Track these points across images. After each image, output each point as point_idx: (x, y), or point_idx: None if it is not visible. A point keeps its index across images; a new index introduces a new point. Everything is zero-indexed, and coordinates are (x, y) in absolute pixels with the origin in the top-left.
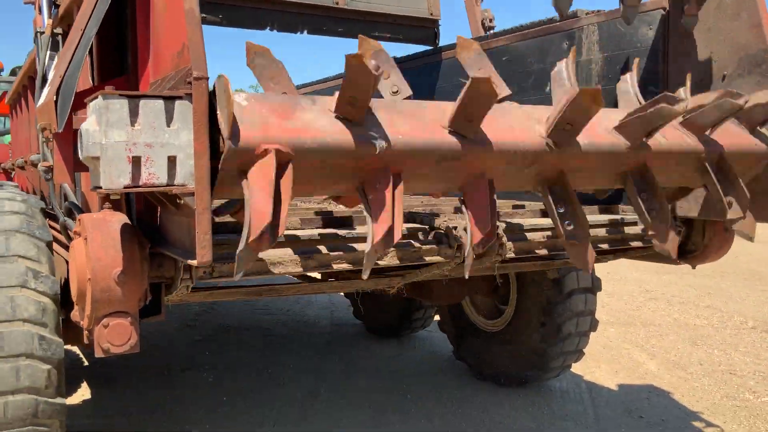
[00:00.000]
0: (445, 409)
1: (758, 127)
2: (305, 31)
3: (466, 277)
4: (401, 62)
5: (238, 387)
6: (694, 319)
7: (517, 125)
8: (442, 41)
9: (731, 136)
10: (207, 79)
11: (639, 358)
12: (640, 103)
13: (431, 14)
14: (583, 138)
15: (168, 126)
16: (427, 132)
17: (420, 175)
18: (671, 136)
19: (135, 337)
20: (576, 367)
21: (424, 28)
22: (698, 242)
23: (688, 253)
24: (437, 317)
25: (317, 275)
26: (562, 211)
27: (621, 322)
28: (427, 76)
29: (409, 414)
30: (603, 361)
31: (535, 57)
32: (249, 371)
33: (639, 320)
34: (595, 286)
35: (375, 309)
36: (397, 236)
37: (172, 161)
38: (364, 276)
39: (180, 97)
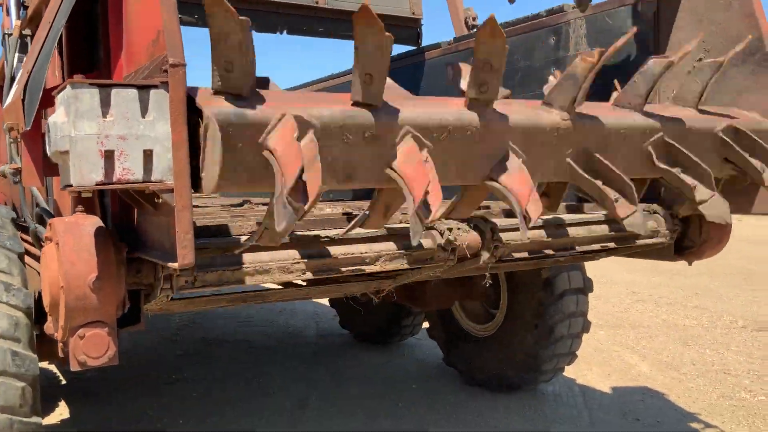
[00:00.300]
0: (439, 415)
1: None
2: (285, 32)
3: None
4: None
5: (227, 397)
6: (683, 320)
7: None
8: (426, 41)
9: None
10: (184, 65)
11: (630, 360)
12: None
13: (413, 13)
14: None
15: (143, 117)
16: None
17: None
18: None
19: (113, 349)
20: (568, 371)
21: (407, 28)
22: (695, 238)
23: (685, 249)
24: (426, 324)
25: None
26: None
27: (610, 325)
28: (411, 76)
29: (402, 420)
30: (594, 364)
31: (521, 54)
32: (236, 381)
33: (628, 322)
34: (586, 286)
35: (362, 317)
36: (438, 200)
37: (148, 155)
38: (414, 242)
39: (155, 86)
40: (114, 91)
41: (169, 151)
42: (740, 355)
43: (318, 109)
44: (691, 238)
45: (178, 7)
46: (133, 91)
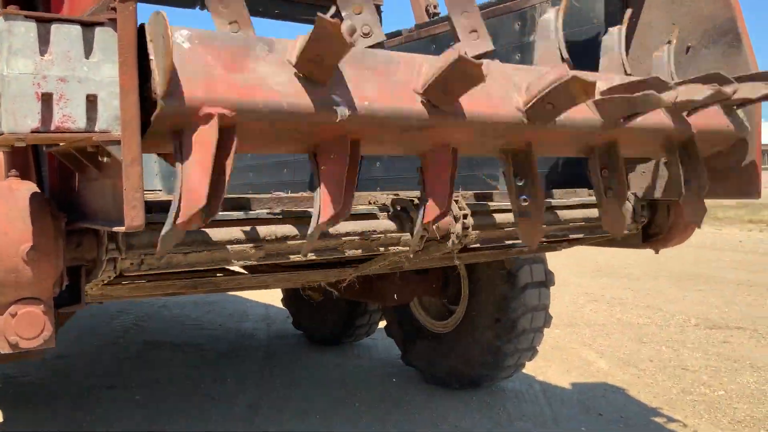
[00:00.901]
0: (399, 416)
1: (735, 108)
2: None
3: (412, 254)
4: None
5: (171, 404)
6: (637, 318)
7: (495, 93)
8: (385, 29)
9: (704, 115)
10: (135, 2)
11: (589, 357)
12: (624, 68)
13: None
14: None
15: (87, 58)
16: (395, 98)
17: (378, 142)
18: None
19: (49, 329)
20: (527, 368)
21: None
22: (662, 225)
23: (651, 237)
24: (383, 323)
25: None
26: (521, 183)
27: (565, 323)
28: None
29: (360, 422)
30: (553, 361)
31: None
32: (182, 387)
33: (583, 321)
34: (548, 279)
35: (316, 318)
36: (345, 211)
37: (91, 101)
38: (303, 255)
39: (101, 23)
40: (54, 27)
41: (116, 97)
42: (696, 352)
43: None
44: (658, 225)
45: None
46: (77, 28)
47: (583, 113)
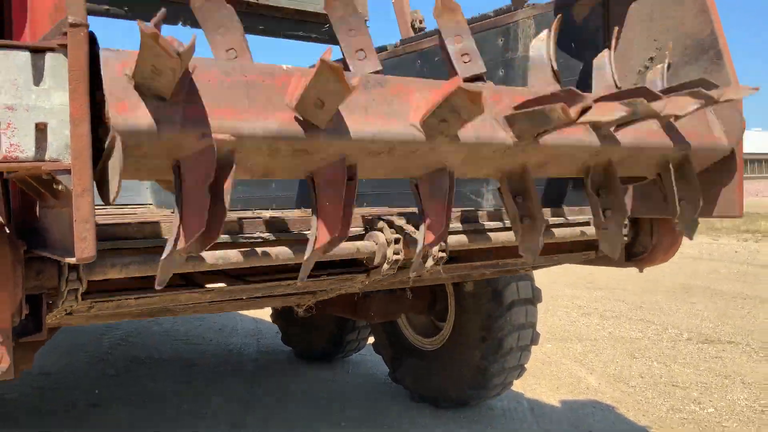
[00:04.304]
0: None
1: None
2: None
3: (412, 276)
4: None
5: (156, 421)
6: (629, 332)
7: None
8: (375, 43)
9: (697, 131)
10: (86, 26)
11: (579, 373)
12: (616, 84)
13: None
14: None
15: (36, 85)
16: (393, 125)
17: (376, 167)
18: (639, 130)
19: (7, 360)
20: (516, 385)
21: None
22: (646, 243)
23: (635, 256)
24: (371, 339)
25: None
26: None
27: (557, 338)
28: None
29: None
30: (543, 378)
31: None
32: (168, 403)
33: (575, 335)
34: (535, 297)
35: (305, 334)
36: (343, 236)
37: (41, 130)
38: (300, 281)
39: (52, 49)
40: (1, 53)
41: (67, 126)
42: (687, 368)
43: (250, 123)
44: (642, 244)
45: None
46: (25, 54)
47: (574, 132)
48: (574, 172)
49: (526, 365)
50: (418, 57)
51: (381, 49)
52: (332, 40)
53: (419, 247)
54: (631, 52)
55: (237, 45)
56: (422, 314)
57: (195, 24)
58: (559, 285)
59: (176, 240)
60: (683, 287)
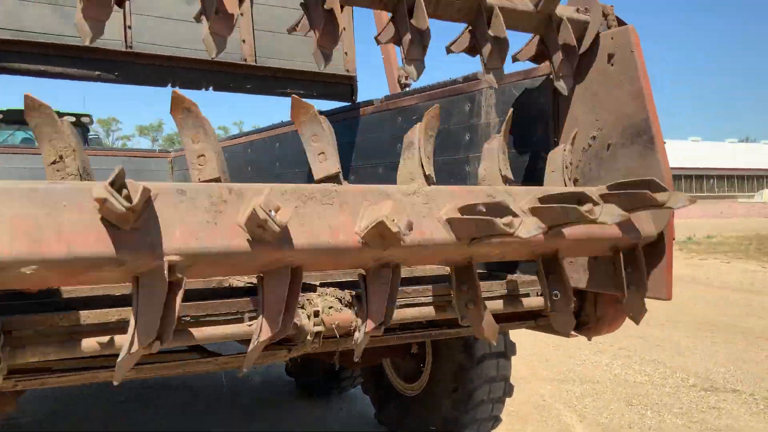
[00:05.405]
0: None
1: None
2: (210, 88)
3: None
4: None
5: None
6: (635, 375)
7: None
8: (362, 97)
9: (642, 223)
10: None
11: (568, 420)
12: (500, 172)
13: (347, 71)
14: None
15: None
16: (336, 237)
17: (319, 268)
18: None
19: None
20: (501, 428)
21: (341, 85)
22: (591, 314)
23: (581, 326)
24: None
25: None
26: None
27: (559, 379)
28: (347, 130)
29: None
30: (530, 423)
31: (441, 117)
32: None
33: (578, 376)
34: (508, 350)
35: (305, 366)
36: (283, 333)
37: None
38: (245, 368)
39: None
40: None
41: None
42: (680, 419)
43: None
44: (587, 314)
45: (92, 63)
46: None
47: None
48: (525, 257)
49: (500, 415)
50: (399, 113)
51: (368, 104)
52: (319, 96)
53: (361, 335)
54: (575, 129)
55: (206, 152)
56: (401, 359)
57: (186, 85)
58: None
59: (131, 344)
60: (710, 324)
